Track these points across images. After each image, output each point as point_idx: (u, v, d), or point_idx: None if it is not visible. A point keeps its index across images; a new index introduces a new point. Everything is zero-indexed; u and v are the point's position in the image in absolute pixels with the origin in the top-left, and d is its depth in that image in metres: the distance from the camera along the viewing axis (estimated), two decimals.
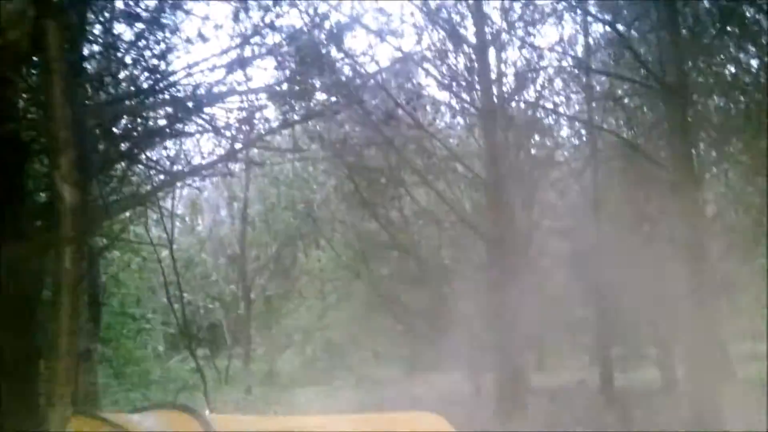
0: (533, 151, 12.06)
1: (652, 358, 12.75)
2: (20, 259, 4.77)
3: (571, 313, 12.07)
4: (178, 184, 11.68)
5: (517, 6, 11.50)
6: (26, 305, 5.75)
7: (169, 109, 7.20)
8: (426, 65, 11.68)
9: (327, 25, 8.45)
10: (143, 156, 8.04)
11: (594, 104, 12.35)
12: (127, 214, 12.18)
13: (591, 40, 12.25)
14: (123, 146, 7.65)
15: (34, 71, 5.05)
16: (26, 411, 5.22)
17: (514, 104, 12.05)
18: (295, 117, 8.36)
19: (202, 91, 6.84)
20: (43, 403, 1.37)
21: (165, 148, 8.56)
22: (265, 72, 8.03)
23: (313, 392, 15.30)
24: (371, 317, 15.33)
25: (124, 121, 7.76)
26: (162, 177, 7.78)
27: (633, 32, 10.65)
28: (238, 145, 7.78)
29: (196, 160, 8.64)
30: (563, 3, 11.52)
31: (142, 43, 7.01)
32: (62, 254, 1.60)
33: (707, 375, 7.06)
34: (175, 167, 8.33)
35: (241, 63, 6.89)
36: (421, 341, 13.54)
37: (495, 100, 11.38)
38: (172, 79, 7.19)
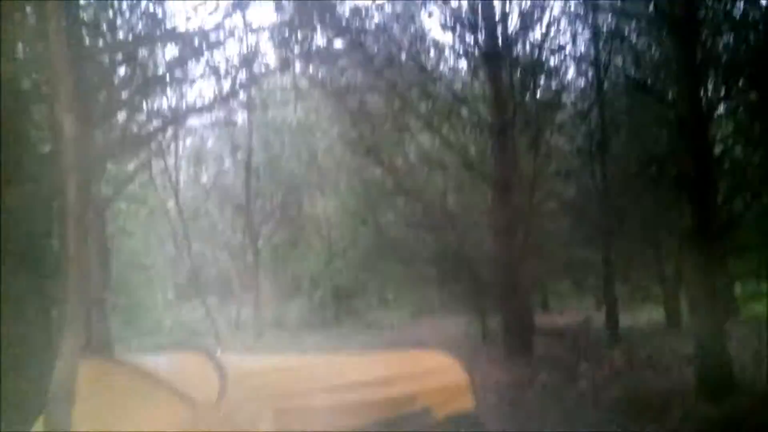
0: (539, 94, 11.85)
1: (657, 298, 12.86)
2: (27, 203, 4.80)
3: (576, 255, 12.12)
4: (181, 133, 11.60)
5: None
6: (35, 249, 5.82)
7: (168, 56, 7.11)
8: (429, 7, 11.40)
9: None
10: (144, 104, 7.99)
11: (600, 44, 12.09)
12: (132, 166, 12.23)
13: None
14: (123, 95, 7.59)
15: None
16: (40, 357, 5.34)
17: (519, 46, 11.80)
18: (296, 61, 8.23)
19: (201, 35, 6.72)
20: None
21: (166, 96, 8.50)
22: (264, 15, 7.90)
23: (321, 336, 15.58)
24: (377, 263, 15.47)
25: (123, 70, 7.68)
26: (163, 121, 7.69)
27: None
28: (237, 85, 7.67)
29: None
30: None
31: None
32: (66, 184, 1.59)
33: (711, 313, 7.10)
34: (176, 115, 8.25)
35: (240, 6, 6.74)
36: (427, 286, 13.68)
37: (499, 41, 11.14)
38: (170, 25, 7.08)
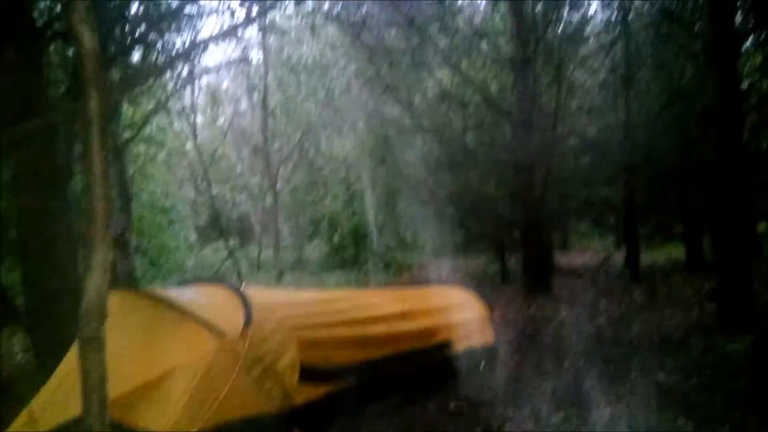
0: (561, 27, 11.46)
1: (678, 237, 12.75)
2: (48, 130, 4.84)
3: (597, 193, 11.97)
4: (197, 71, 11.47)
5: None
6: (58, 175, 5.88)
7: None
8: None
9: None
10: (159, 41, 7.89)
11: None
12: (149, 108, 12.20)
13: None
14: (138, 31, 7.50)
15: None
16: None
17: None
18: None
19: None
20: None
21: (180, 32, 8.38)
22: None
23: (342, 276, 15.77)
24: (396, 204, 15.44)
25: (136, 6, 7.56)
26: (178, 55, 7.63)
27: None
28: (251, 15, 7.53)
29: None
30: None
31: None
32: (86, 95, 1.56)
33: (734, 251, 7.02)
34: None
35: None
36: (446, 226, 13.65)
37: None
38: None
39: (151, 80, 9.09)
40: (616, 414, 4.45)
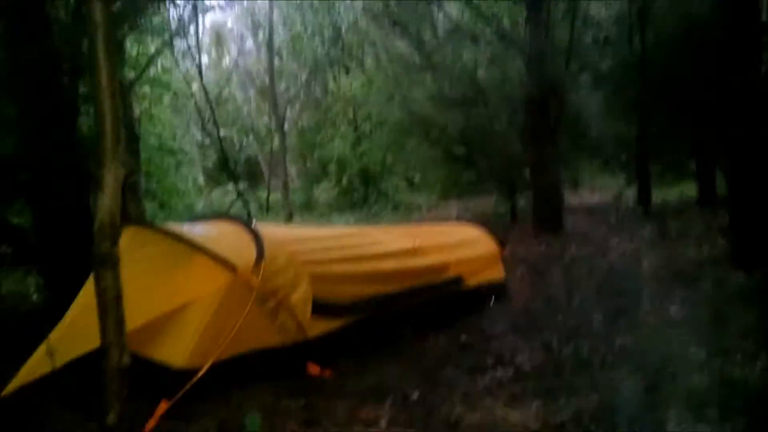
0: None
1: (691, 174, 12.60)
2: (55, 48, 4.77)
3: (609, 129, 11.77)
4: (201, 6, 11.17)
5: None
6: (64, 113, 5.82)
7: None
8: None
9: None
10: None
11: None
12: (153, 47, 11.96)
13: None
14: None
15: None
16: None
17: None
18: None
19: None
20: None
21: None
22: None
23: (351, 217, 15.81)
24: (405, 143, 15.30)
25: None
26: None
27: None
28: None
29: None
30: None
31: None
32: (91, 9, 1.48)
33: (748, 186, 6.92)
34: None
35: None
36: (455, 166, 13.55)
37: None
38: None
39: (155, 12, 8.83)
40: (627, 345, 4.47)
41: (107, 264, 1.36)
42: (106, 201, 1.35)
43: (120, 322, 1.37)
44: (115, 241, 1.37)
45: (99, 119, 1.33)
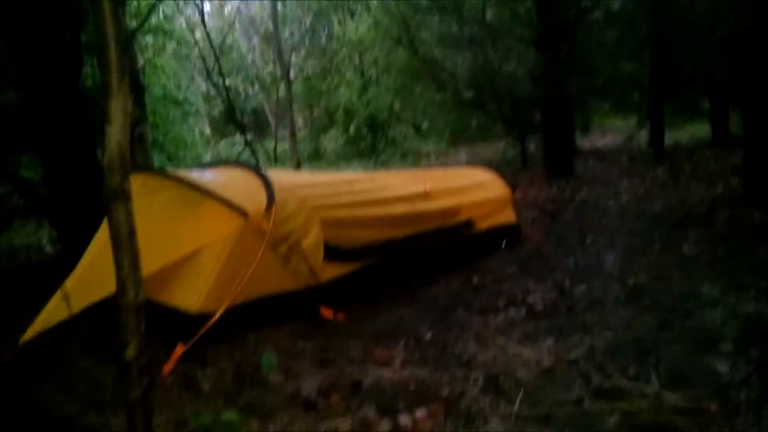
0: None
1: (704, 114, 12.37)
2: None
3: (621, 70, 11.51)
4: None
5: None
6: (67, 62, 5.75)
7: None
8: None
9: None
10: None
11: None
12: None
13: None
14: None
15: None
16: None
17: None
18: None
19: None
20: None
21: None
22: None
23: (359, 165, 15.74)
24: (413, 89, 15.06)
25: None
26: None
27: None
28: None
29: None
30: None
31: None
32: None
33: (763, 123, 6.77)
34: None
35: None
36: (464, 111, 13.35)
37: None
38: None
39: None
40: (640, 283, 4.47)
41: (119, 198, 1.34)
42: (115, 133, 1.32)
43: (135, 257, 1.35)
44: (125, 174, 1.34)
45: (102, 50, 1.28)
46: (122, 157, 1.32)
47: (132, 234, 1.37)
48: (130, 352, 1.38)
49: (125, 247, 1.35)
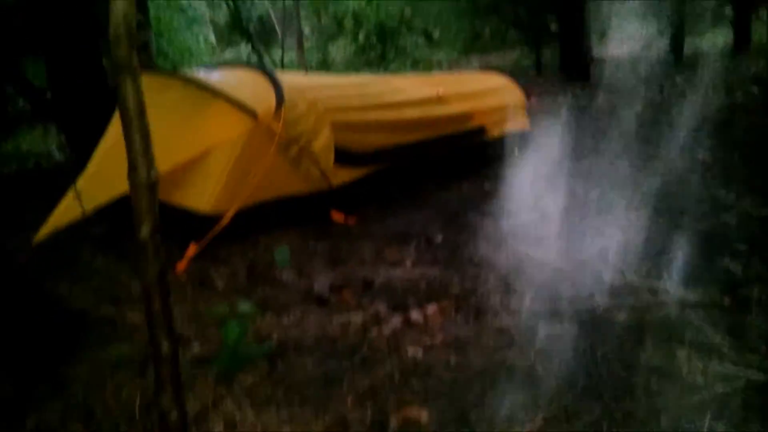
0: None
1: (726, 21, 11.89)
2: None
3: None
4: None
5: None
6: None
7: None
8: None
9: None
10: None
11: None
12: None
13: None
14: None
15: None
16: None
17: None
18: None
19: None
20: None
21: None
22: None
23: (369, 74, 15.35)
24: None
25: None
26: None
27: None
28: None
29: None
30: None
31: None
32: None
33: None
34: None
35: None
36: (479, 16, 12.90)
37: None
38: None
39: None
40: (654, 188, 4.42)
41: (125, 72, 1.28)
42: (120, 4, 1.24)
43: (145, 134, 1.31)
44: (132, 45, 1.27)
45: None
46: (128, 29, 1.24)
47: (142, 111, 1.32)
48: (144, 231, 1.36)
49: (135, 124, 1.31)
